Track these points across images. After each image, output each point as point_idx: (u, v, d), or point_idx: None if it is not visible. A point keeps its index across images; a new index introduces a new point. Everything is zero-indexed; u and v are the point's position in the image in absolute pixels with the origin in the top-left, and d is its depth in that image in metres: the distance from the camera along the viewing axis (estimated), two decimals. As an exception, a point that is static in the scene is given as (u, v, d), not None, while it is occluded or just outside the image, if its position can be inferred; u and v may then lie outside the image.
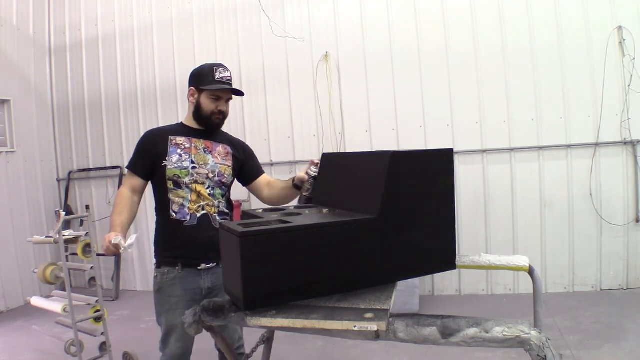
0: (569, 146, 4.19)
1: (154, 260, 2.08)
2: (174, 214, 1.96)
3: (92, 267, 2.98)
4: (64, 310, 2.90)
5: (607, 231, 4.14)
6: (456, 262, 1.48)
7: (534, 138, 4.25)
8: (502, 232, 4.35)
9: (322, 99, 4.71)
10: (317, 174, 1.80)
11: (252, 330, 1.46)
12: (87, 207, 3.71)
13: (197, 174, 1.99)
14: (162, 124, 5.16)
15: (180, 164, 1.97)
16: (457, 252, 1.49)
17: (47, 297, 3.24)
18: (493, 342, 1.12)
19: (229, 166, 2.09)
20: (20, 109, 5.14)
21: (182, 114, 5.10)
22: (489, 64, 4.30)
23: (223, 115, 2.06)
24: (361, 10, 4.60)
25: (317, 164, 1.84)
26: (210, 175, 2.02)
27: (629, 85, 4.00)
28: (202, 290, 1.99)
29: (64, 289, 2.97)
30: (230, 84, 2.05)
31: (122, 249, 1.73)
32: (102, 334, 3.00)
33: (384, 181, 1.29)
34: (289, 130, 4.85)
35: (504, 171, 4.33)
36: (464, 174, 4.36)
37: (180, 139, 2.02)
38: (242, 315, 1.22)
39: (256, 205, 4.90)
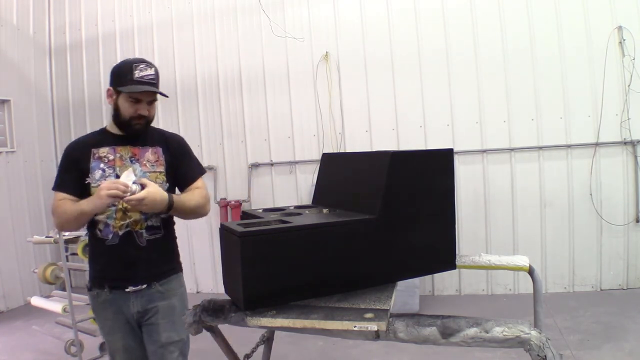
0: (569, 146, 4.19)
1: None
2: (98, 232, 1.79)
3: (92, 267, 2.97)
4: (64, 310, 2.91)
5: (607, 231, 4.14)
6: (456, 262, 1.49)
7: (534, 138, 4.25)
8: (502, 232, 4.35)
9: (322, 99, 4.71)
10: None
11: (252, 330, 1.45)
12: (87, 207, 3.71)
13: None
14: (161, 123, 5.18)
15: (103, 181, 1.74)
16: (457, 252, 1.49)
17: (47, 297, 3.24)
18: (493, 342, 1.12)
19: (160, 172, 1.85)
20: (20, 109, 5.14)
21: (182, 114, 5.11)
22: (489, 64, 4.30)
23: (145, 119, 1.81)
24: (361, 10, 4.60)
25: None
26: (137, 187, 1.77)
27: (629, 85, 4.00)
28: (133, 315, 1.82)
29: (64, 289, 2.98)
30: (153, 83, 1.78)
31: (130, 187, 1.62)
32: (102, 334, 3.00)
33: (384, 181, 1.29)
34: (289, 130, 4.85)
35: (504, 171, 4.33)
36: (464, 174, 4.36)
37: (103, 151, 1.80)
38: (242, 315, 1.22)
39: (257, 205, 4.91)
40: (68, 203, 1.74)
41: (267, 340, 2.02)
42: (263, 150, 4.91)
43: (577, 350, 3.04)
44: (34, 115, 5.36)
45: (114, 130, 1.85)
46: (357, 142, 4.62)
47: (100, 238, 1.78)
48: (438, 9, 4.40)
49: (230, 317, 1.30)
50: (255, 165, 4.93)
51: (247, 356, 1.96)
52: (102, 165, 1.78)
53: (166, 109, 5.17)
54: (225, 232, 1.30)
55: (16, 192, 5.05)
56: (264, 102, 4.90)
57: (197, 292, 5.09)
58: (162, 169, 1.86)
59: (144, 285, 1.80)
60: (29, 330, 3.99)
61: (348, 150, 4.60)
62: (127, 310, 1.81)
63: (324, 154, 1.78)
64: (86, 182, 1.76)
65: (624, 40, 4.00)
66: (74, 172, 1.78)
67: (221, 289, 1.42)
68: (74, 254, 3.06)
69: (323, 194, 1.67)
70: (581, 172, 4.17)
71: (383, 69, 4.54)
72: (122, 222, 1.77)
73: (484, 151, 4.36)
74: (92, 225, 1.81)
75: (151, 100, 1.81)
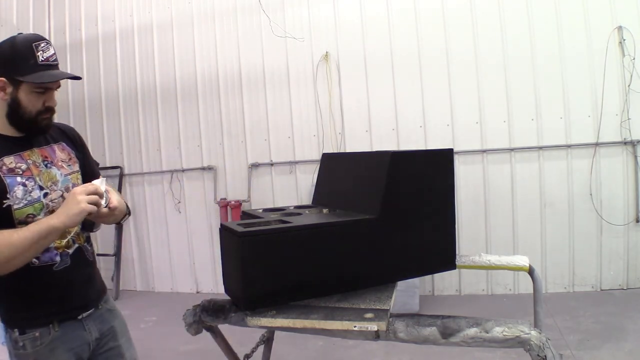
0: (569, 146, 4.19)
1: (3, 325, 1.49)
2: (35, 260, 1.39)
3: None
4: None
5: (607, 231, 4.14)
6: (456, 262, 1.49)
7: (534, 138, 4.25)
8: (502, 232, 4.35)
9: (322, 99, 4.71)
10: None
11: (252, 330, 1.45)
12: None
13: (52, 201, 1.43)
14: (161, 124, 5.21)
15: (30, 198, 1.39)
16: (457, 252, 1.49)
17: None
18: (493, 342, 1.12)
19: (77, 172, 1.55)
20: (20, 109, 5.14)
21: (182, 114, 5.11)
22: (489, 64, 4.29)
23: (52, 112, 1.48)
24: (361, 10, 4.60)
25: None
26: (65, 195, 1.45)
27: (629, 85, 4.00)
28: (89, 345, 1.52)
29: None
30: (57, 65, 1.44)
31: (104, 199, 1.35)
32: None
33: (384, 181, 1.29)
34: (289, 130, 4.85)
35: (504, 171, 4.33)
36: (464, 174, 4.35)
37: (9, 160, 1.39)
38: (242, 315, 1.22)
39: (257, 205, 4.91)
40: (4, 233, 1.29)
41: (267, 340, 2.03)
42: (263, 150, 4.92)
43: (577, 350, 3.04)
44: (34, 115, 5.35)
45: (8, 132, 1.43)
46: (357, 142, 4.62)
47: (40, 266, 1.41)
48: (438, 9, 4.39)
49: (230, 317, 1.30)
50: (255, 165, 4.93)
51: (247, 356, 1.96)
52: (19, 179, 1.38)
53: (166, 109, 5.17)
54: (225, 232, 1.30)
55: (16, 192, 5.04)
56: (264, 102, 4.90)
57: (197, 292, 5.10)
58: (77, 167, 1.56)
59: (93, 309, 1.55)
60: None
61: (348, 150, 4.60)
62: (82, 342, 1.50)
63: (324, 154, 1.78)
64: (4, 205, 1.35)
65: (624, 40, 4.00)
66: None
67: (221, 289, 1.42)
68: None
69: (323, 194, 1.67)
70: (581, 172, 4.17)
71: (383, 69, 4.54)
72: (65, 239, 1.46)
73: (484, 151, 4.36)
74: None
75: (57, 87, 1.47)
